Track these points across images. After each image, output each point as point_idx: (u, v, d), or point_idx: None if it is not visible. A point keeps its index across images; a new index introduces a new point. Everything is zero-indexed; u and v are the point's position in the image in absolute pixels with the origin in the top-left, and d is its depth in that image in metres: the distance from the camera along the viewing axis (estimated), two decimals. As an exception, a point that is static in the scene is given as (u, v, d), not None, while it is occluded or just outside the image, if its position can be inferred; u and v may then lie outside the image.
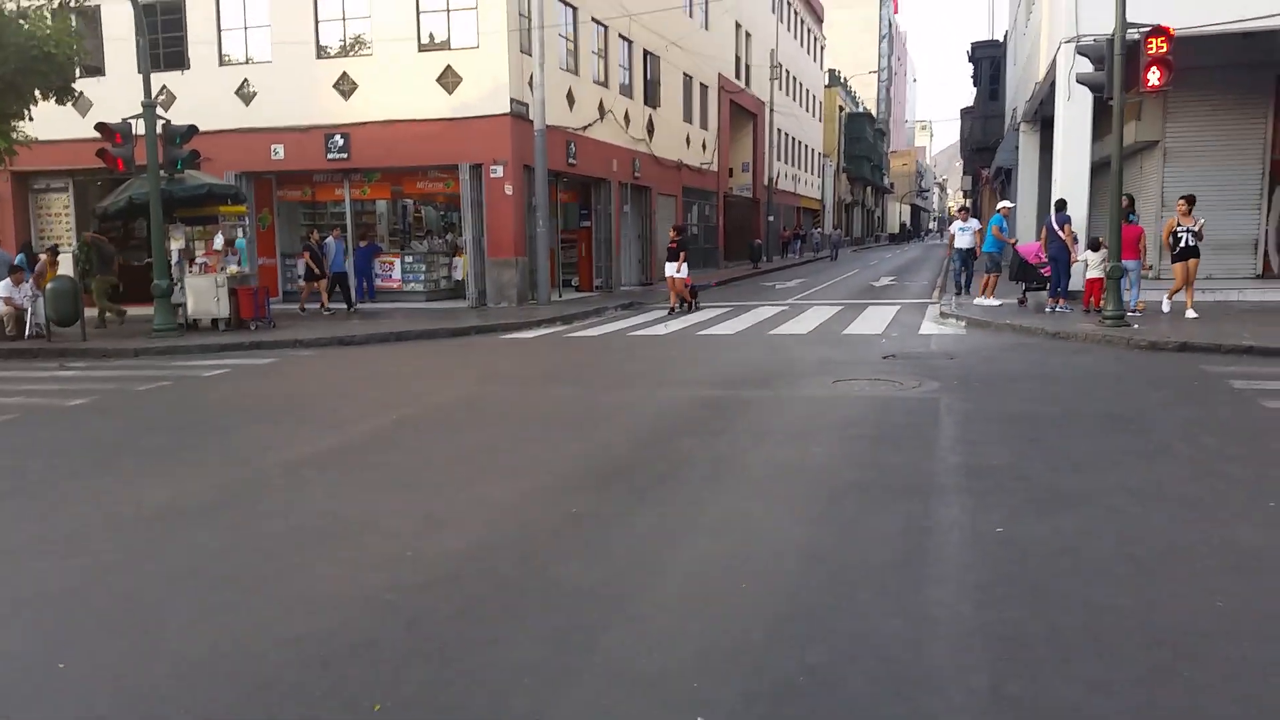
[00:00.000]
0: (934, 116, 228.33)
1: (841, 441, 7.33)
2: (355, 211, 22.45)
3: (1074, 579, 4.43)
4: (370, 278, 21.36)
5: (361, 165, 21.57)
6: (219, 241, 16.99)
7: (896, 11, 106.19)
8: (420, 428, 8.42)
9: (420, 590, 4.49)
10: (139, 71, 16.21)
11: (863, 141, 78.95)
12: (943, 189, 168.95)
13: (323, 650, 3.86)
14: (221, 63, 22.03)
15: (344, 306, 19.98)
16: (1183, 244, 14.22)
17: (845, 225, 77.25)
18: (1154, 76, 12.69)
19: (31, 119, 17.38)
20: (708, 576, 4.61)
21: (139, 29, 16.31)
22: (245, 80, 21.78)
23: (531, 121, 20.51)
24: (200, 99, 21.15)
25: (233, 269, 16.90)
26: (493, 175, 20.61)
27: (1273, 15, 15.96)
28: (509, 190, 20.61)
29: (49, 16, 16.74)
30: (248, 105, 21.76)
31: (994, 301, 16.99)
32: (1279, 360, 10.60)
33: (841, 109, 72.45)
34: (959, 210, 23.43)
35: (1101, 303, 13.78)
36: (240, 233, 17.59)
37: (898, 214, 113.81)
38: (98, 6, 20.40)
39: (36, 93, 16.76)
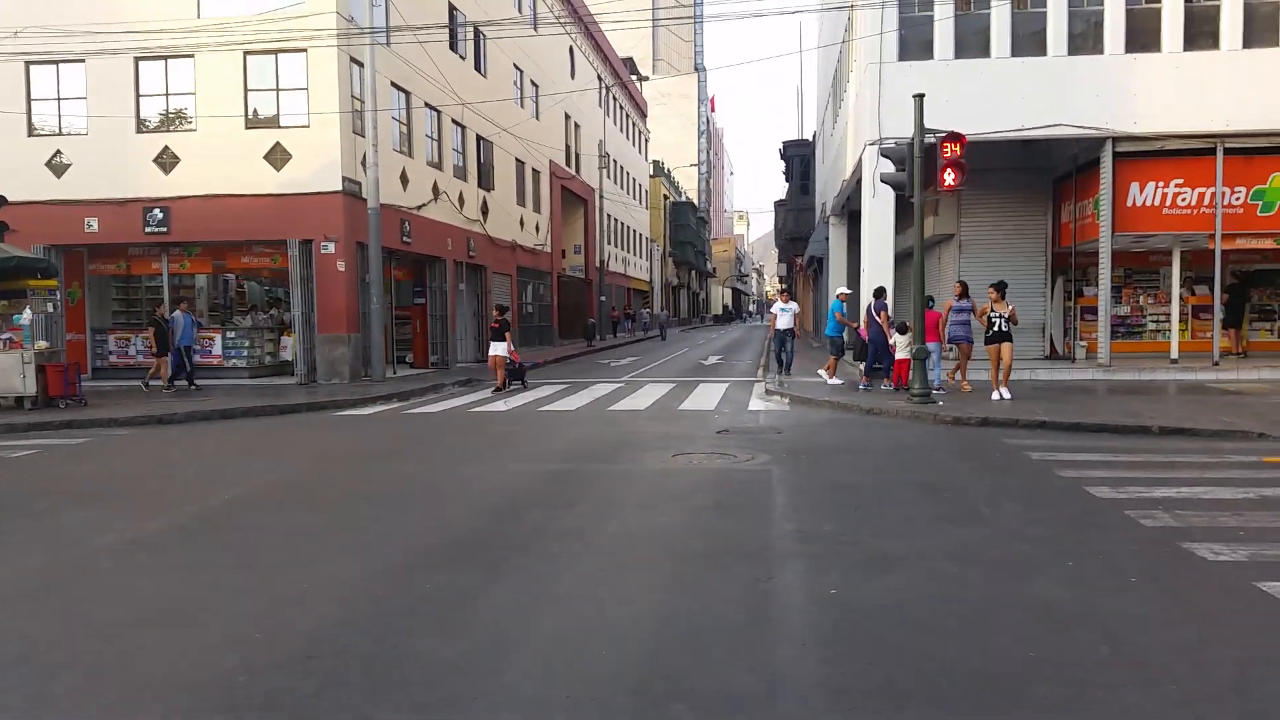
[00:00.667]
0: (750, 207, 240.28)
1: (685, 511, 7.64)
2: (173, 285, 21.53)
3: (904, 633, 4.83)
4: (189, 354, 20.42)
5: (182, 239, 20.79)
6: (26, 316, 15.91)
7: (713, 110, 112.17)
8: (255, 507, 8.16)
9: (274, 670, 4.40)
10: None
11: (686, 228, 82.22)
12: (760, 274, 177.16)
13: (177, 734, 3.74)
14: (31, 133, 20.91)
15: (184, 383, 19.17)
16: (995, 328, 14.88)
17: (673, 306, 79.63)
18: (949, 177, 14.02)
19: None
20: (568, 645, 4.73)
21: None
22: (58, 151, 20.74)
23: (365, 199, 20.42)
24: (7, 168, 19.96)
25: (40, 344, 15.83)
26: (324, 251, 20.30)
27: (1044, 127, 18.07)
28: (341, 266, 20.32)
29: None
30: (59, 176, 20.69)
31: (836, 381, 17.87)
32: (1071, 434, 11.73)
33: (666, 197, 75.35)
34: (780, 293, 24.66)
35: (909, 381, 14.85)
36: (27, 311, 16.44)
37: (720, 296, 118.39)
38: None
39: None
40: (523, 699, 4.08)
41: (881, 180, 16.10)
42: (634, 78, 61.21)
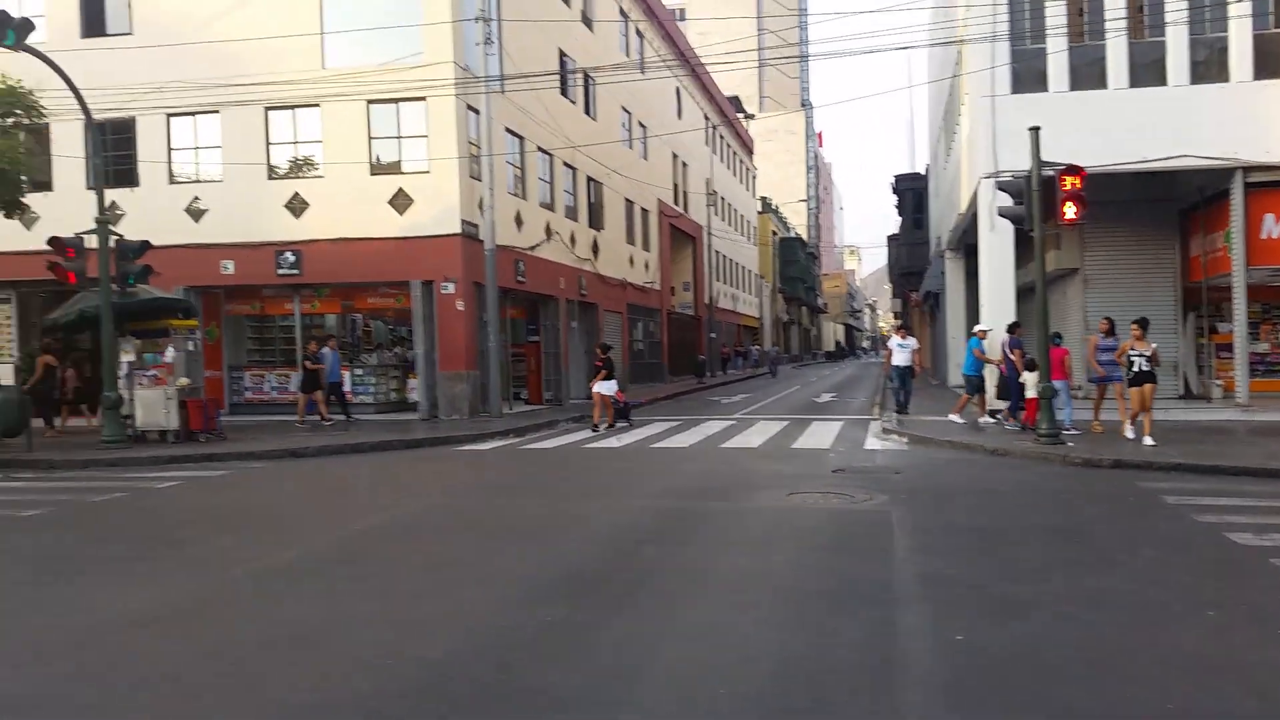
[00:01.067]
0: (861, 242, 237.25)
1: (801, 551, 7.56)
2: (305, 325, 22.54)
3: (1035, 681, 4.67)
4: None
5: (312, 281, 21.78)
6: (170, 354, 16.90)
7: (821, 145, 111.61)
8: (385, 538, 8.45)
9: (403, 697, 4.54)
10: (89, 187, 16.41)
11: (796, 264, 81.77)
12: (873, 310, 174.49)
13: (317, 756, 3.90)
14: (171, 180, 22.29)
15: (342, 417, 19.95)
16: (1135, 368, 13.90)
17: (783, 342, 79.09)
18: (1070, 211, 13.58)
19: (-20, 231, 17.40)
20: (686, 683, 4.73)
21: (94, 148, 16.57)
22: (196, 197, 22.04)
23: (482, 241, 21.03)
24: (149, 214, 21.30)
25: (182, 381, 16.80)
26: (444, 291, 20.96)
27: (1167, 158, 17.38)
28: (460, 306, 20.95)
29: (1, 135, 16.95)
30: (197, 221, 21.96)
31: (959, 419, 17.28)
32: (1210, 477, 11.15)
33: (774, 233, 75.17)
34: (897, 329, 24.16)
35: (1037, 421, 14.35)
36: (170, 349, 17.38)
37: (832, 333, 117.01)
38: (47, 125, 20.67)
39: (-14, 206, 16.85)
40: (645, 734, 4.10)
41: (1000, 214, 15.75)
42: (740, 115, 61.55)
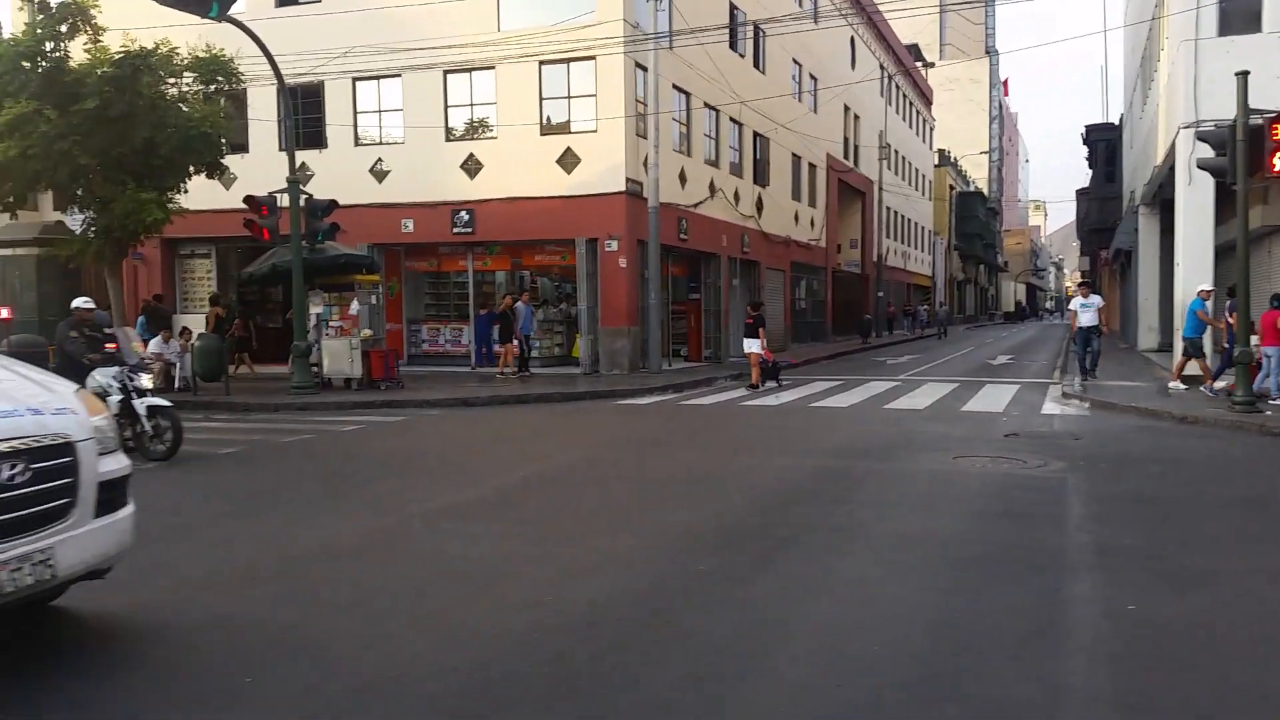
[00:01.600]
0: (1048, 197, 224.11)
1: (965, 516, 7.35)
2: (476, 282, 23.43)
3: (1210, 656, 4.41)
4: (489, 344, 22.14)
5: (484, 239, 22.56)
6: (354, 307, 17.96)
7: (1007, 94, 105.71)
8: (547, 484, 8.77)
9: (560, 632, 4.74)
10: (281, 149, 17.49)
11: (974, 220, 78.23)
12: (1059, 269, 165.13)
13: (476, 680, 4.14)
14: (357, 143, 23.48)
15: (518, 370, 20.52)
16: None
17: (958, 303, 76.22)
18: (1280, 162, 12.43)
19: (187, 192, 18.88)
20: (836, 638, 4.73)
21: (286, 112, 17.64)
22: (379, 159, 23.14)
23: (645, 199, 21.19)
24: (337, 175, 22.52)
25: (365, 332, 17.85)
26: (607, 249, 21.29)
27: None
28: (623, 263, 21.24)
29: (204, 100, 18.30)
30: (380, 182, 23.08)
31: (1179, 386, 16.06)
32: None
33: (952, 188, 72.12)
34: (1080, 286, 22.66)
35: (1234, 388, 13.33)
36: (355, 303, 18.35)
37: (1012, 292, 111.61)
38: (245, 90, 22.11)
39: (191, 168, 18.23)
40: (791, 684, 4.14)
41: (1199, 166, 14.58)
42: (918, 64, 59.11)
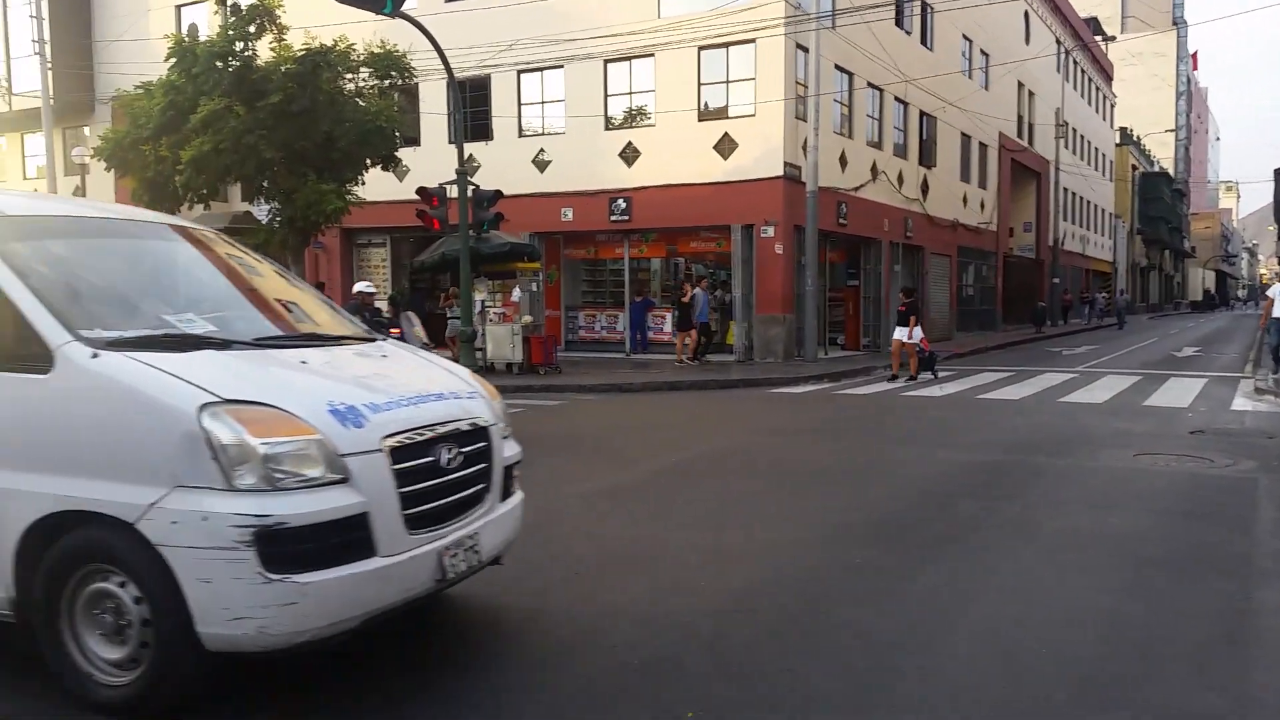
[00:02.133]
0: (1241, 177, 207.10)
1: (1144, 515, 6.90)
2: (632, 269, 23.67)
3: None
4: (644, 330, 22.34)
5: (640, 226, 22.75)
6: (516, 294, 18.47)
7: (1195, 68, 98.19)
8: (700, 471, 8.77)
9: (715, 616, 4.73)
10: (450, 142, 18.07)
11: (1159, 202, 73.21)
12: (1252, 255, 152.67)
13: (633, 659, 4.18)
14: (521, 134, 24.08)
15: (691, 359, 20.46)
16: None
17: (1139, 290, 71.72)
18: None
19: (364, 183, 19.84)
20: (1001, 636, 4.52)
21: (455, 105, 18.26)
22: (541, 149, 23.67)
23: (804, 184, 20.83)
24: (501, 166, 23.17)
25: (526, 319, 18.34)
26: (763, 235, 21.07)
27: None
28: (779, 250, 20.97)
29: (379, 95, 19.15)
30: (542, 172, 23.61)
31: None
32: None
33: (1134, 168, 67.74)
34: (1277, 274, 20.88)
35: None
36: (517, 290, 18.80)
37: (1200, 280, 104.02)
38: (417, 84, 23.01)
39: (367, 161, 19.13)
40: (951, 681, 3.99)
41: None
42: (1098, 39, 55.69)
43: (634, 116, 22.76)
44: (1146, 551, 5.93)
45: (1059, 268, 43.94)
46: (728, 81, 21.55)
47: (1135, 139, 68.97)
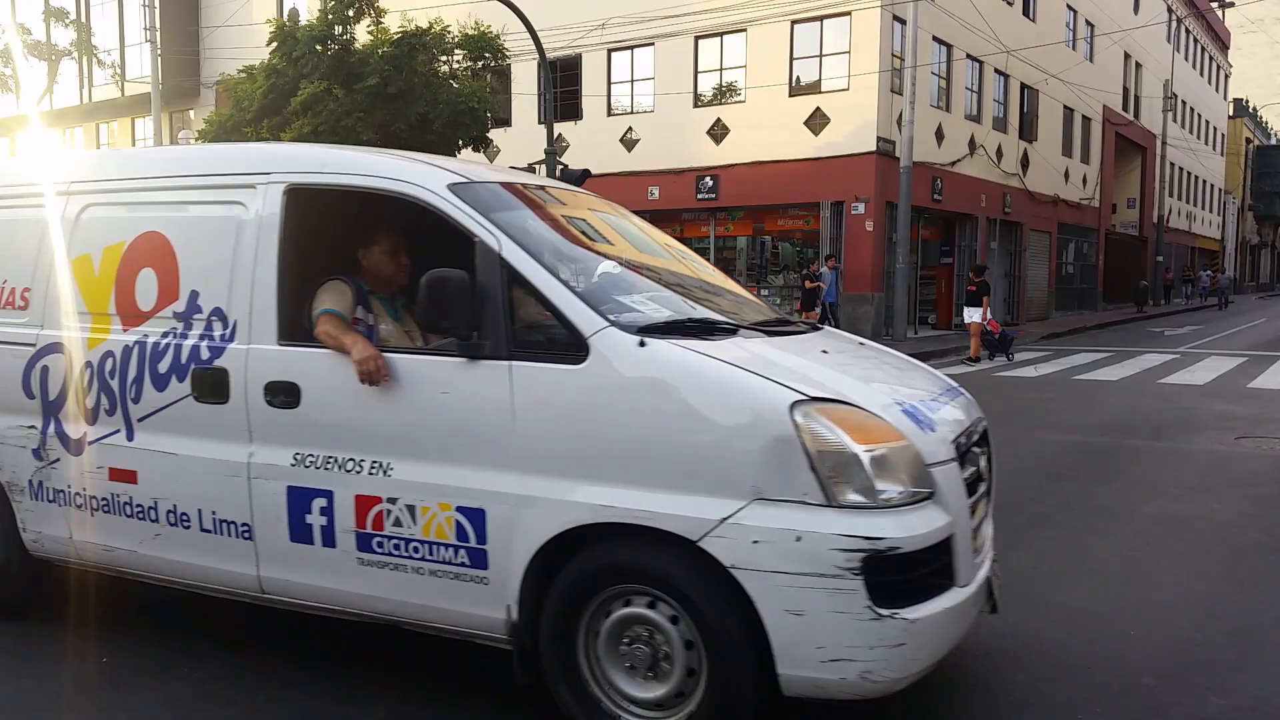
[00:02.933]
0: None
1: (1247, 500, 6.67)
2: (717, 247, 23.59)
3: None
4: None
5: (727, 204, 22.64)
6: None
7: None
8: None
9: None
10: (540, 122, 18.23)
11: (1273, 176, 69.54)
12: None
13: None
14: (610, 113, 24.16)
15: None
16: None
17: (1250, 269, 68.40)
18: None
19: (457, 164, 20.19)
20: (1092, 618, 4.45)
21: (545, 85, 18.42)
22: (629, 128, 23.72)
23: (897, 159, 20.43)
24: (589, 145, 23.30)
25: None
26: (854, 212, 20.77)
27: None
28: (869, 227, 20.66)
29: (472, 77, 19.42)
30: (629, 151, 23.67)
31: None
32: None
33: (1249, 141, 64.48)
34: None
35: None
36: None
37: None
38: (509, 66, 23.29)
39: (460, 142, 19.45)
40: (1035, 664, 3.95)
41: None
42: (1214, 4, 53.02)
43: (723, 93, 22.62)
44: (1247, 538, 5.74)
45: (1163, 245, 42.17)
46: (821, 55, 21.23)
47: (1251, 110, 65.62)
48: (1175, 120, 43.73)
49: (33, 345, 4.03)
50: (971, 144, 24.57)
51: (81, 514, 3.95)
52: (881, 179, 20.61)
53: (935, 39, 22.39)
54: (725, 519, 2.83)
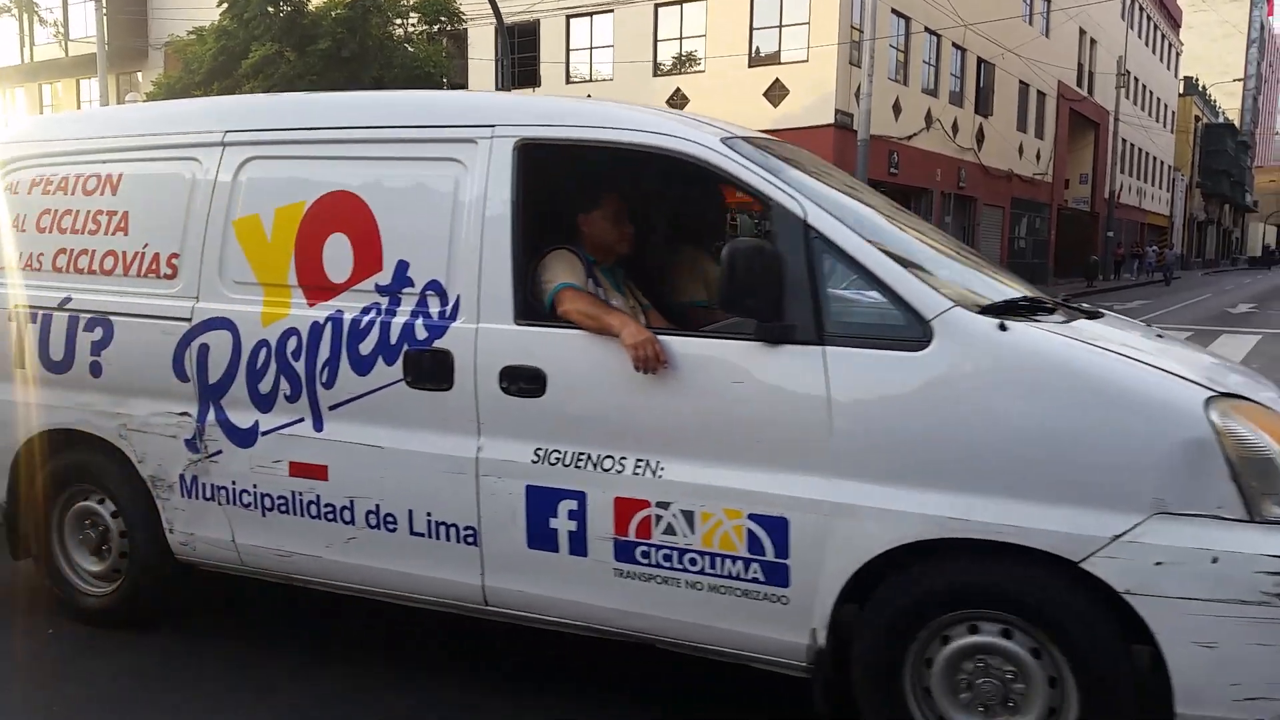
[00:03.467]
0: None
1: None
2: (679, 218, 23.54)
3: None
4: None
5: (688, 174, 22.55)
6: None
7: (1271, 13, 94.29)
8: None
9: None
10: (497, 89, 18.02)
11: (1221, 155, 71.06)
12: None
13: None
14: (569, 81, 23.94)
15: None
16: None
17: (1197, 246, 69.95)
18: None
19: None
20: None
21: (502, 51, 18.19)
22: (588, 95, 23.50)
23: (855, 131, 20.49)
24: (549, 112, 23.07)
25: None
26: (814, 185, 20.81)
27: None
28: (829, 200, 20.72)
29: (427, 41, 19.14)
30: (589, 117, 23.45)
31: None
32: None
33: (1198, 119, 65.67)
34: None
35: None
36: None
37: (1260, 235, 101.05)
38: (465, 30, 22.91)
39: (416, 107, 19.15)
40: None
41: None
42: (1166, -18, 53.76)
43: (683, 62, 22.51)
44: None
45: (1114, 221, 42.91)
46: (780, 26, 21.20)
47: (1201, 89, 66.81)
48: (1128, 97, 44.37)
49: (187, 320, 3.46)
50: (928, 118, 24.73)
51: (250, 514, 3.45)
52: (839, 152, 20.66)
53: (894, 11, 22.45)
54: (1119, 536, 2.43)
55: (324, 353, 3.25)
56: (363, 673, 3.53)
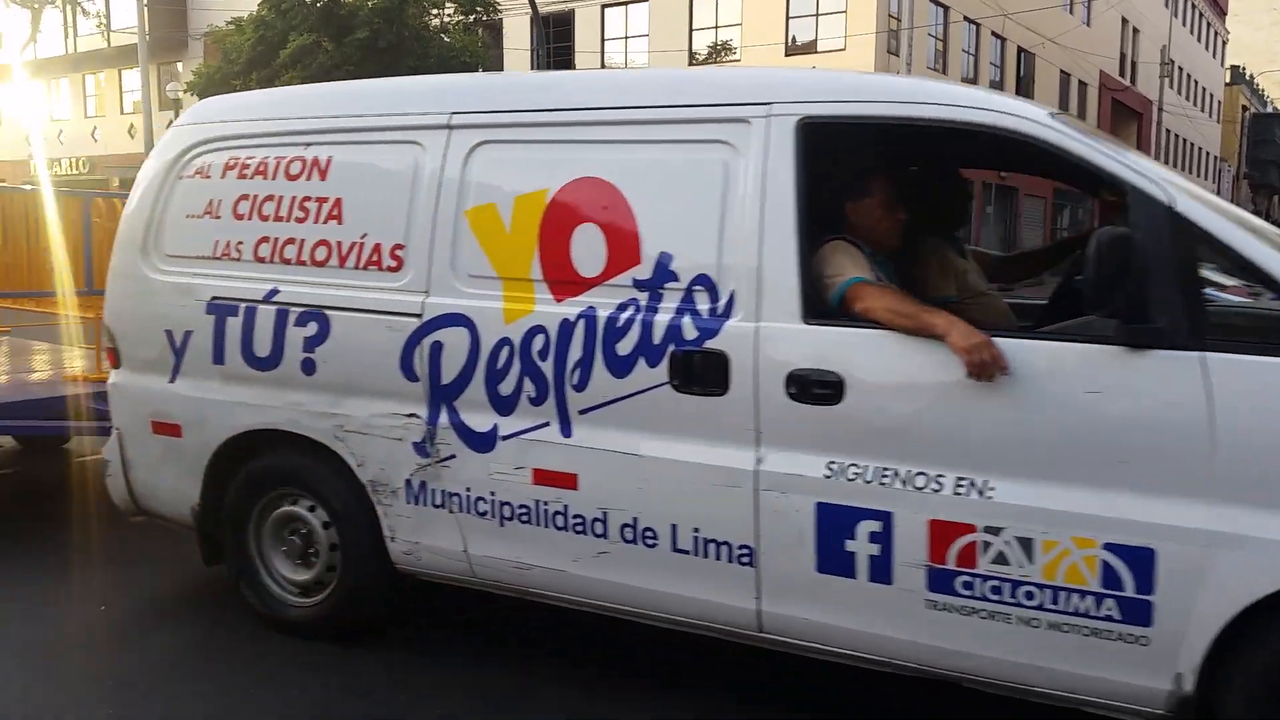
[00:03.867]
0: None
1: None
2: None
3: None
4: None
5: (723, 164, 22.44)
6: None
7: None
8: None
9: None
10: (536, 77, 17.99)
11: (1269, 144, 69.40)
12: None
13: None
14: (604, 69, 23.86)
15: None
16: None
17: (1240, 240, 68.32)
18: None
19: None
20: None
21: (538, 40, 18.16)
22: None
23: (895, 121, 20.29)
24: (584, 102, 23.04)
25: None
26: (851, 175, 20.63)
27: None
28: (866, 190, 20.53)
29: (464, 31, 19.16)
30: (625, 107, 23.40)
31: None
32: None
33: (1245, 109, 64.31)
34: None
35: None
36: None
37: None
38: (501, 20, 22.89)
39: (451, 97, 19.19)
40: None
41: None
42: (1213, -31, 52.68)
43: (718, 51, 22.35)
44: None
45: (1159, 213, 42.16)
46: (817, 15, 20.99)
47: (1248, 78, 65.40)
48: (1172, 87, 43.51)
49: (418, 316, 3.17)
50: (968, 107, 24.42)
51: (486, 523, 3.18)
52: (877, 141, 20.46)
53: (933, 0, 22.12)
54: None
55: (575, 353, 2.97)
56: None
